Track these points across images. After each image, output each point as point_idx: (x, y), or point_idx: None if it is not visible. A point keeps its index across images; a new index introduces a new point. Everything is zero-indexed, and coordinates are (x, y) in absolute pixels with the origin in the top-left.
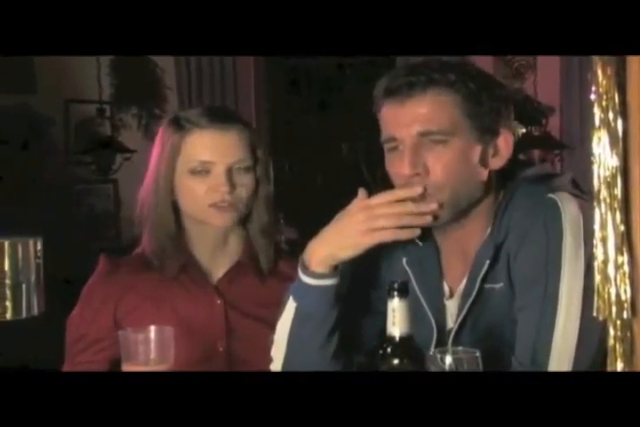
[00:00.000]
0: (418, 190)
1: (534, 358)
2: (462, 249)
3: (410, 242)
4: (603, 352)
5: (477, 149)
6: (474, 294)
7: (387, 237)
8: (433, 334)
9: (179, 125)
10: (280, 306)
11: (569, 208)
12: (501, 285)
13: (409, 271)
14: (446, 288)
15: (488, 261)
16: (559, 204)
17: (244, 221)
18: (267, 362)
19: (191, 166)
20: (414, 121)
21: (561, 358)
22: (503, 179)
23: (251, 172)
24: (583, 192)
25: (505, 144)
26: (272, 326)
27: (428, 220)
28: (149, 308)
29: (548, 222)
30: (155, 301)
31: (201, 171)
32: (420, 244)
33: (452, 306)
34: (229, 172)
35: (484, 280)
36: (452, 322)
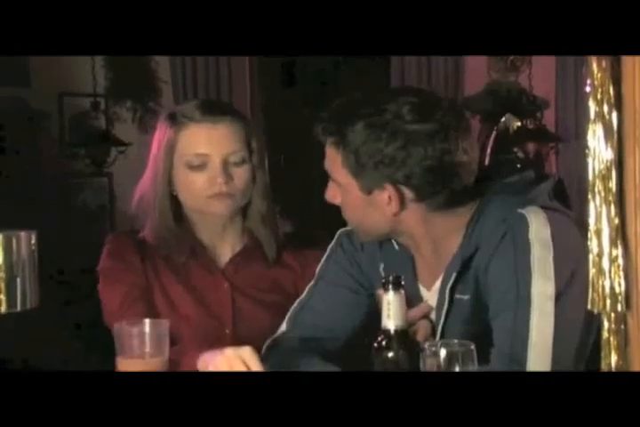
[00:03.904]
0: None
1: (512, 357)
2: (438, 253)
3: (387, 246)
4: (588, 347)
5: (364, 198)
6: (446, 304)
7: None
8: None
9: (174, 120)
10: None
11: (536, 223)
12: (468, 297)
13: (382, 275)
14: (423, 291)
15: (455, 274)
16: (527, 219)
17: (244, 210)
18: None
19: (187, 160)
20: (326, 162)
21: (539, 355)
22: (477, 193)
23: (247, 162)
24: (564, 200)
25: (389, 199)
26: (275, 311)
27: None
28: (159, 291)
29: (516, 237)
30: (164, 283)
31: (197, 164)
32: (397, 247)
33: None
34: (225, 163)
35: (453, 291)
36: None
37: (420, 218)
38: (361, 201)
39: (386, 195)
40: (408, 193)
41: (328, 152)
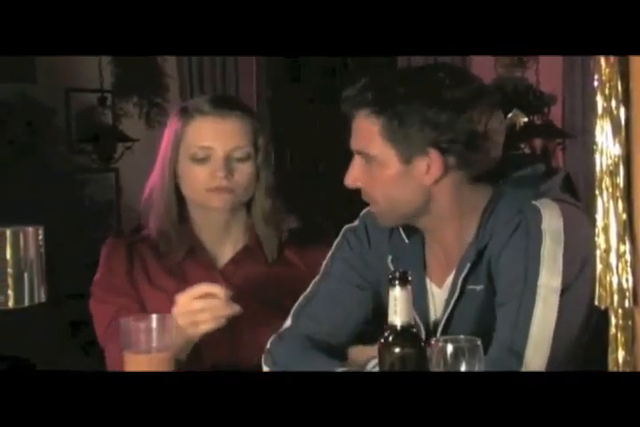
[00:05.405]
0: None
1: (511, 346)
2: (444, 247)
3: (397, 239)
4: (585, 343)
5: (402, 169)
6: (456, 294)
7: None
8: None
9: (184, 113)
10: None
11: (550, 215)
12: (482, 287)
13: (391, 269)
14: (430, 284)
15: (469, 264)
16: (541, 211)
17: (248, 207)
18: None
19: (192, 152)
20: (354, 139)
21: (538, 346)
22: (493, 180)
23: (251, 159)
24: (573, 193)
25: (433, 165)
26: (275, 311)
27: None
28: (156, 291)
29: (529, 229)
30: (161, 284)
31: (201, 157)
32: (407, 241)
33: (437, 301)
34: (228, 158)
35: (465, 281)
36: (439, 315)
37: (453, 191)
38: (395, 174)
39: (425, 163)
40: (450, 159)
41: (361, 125)
